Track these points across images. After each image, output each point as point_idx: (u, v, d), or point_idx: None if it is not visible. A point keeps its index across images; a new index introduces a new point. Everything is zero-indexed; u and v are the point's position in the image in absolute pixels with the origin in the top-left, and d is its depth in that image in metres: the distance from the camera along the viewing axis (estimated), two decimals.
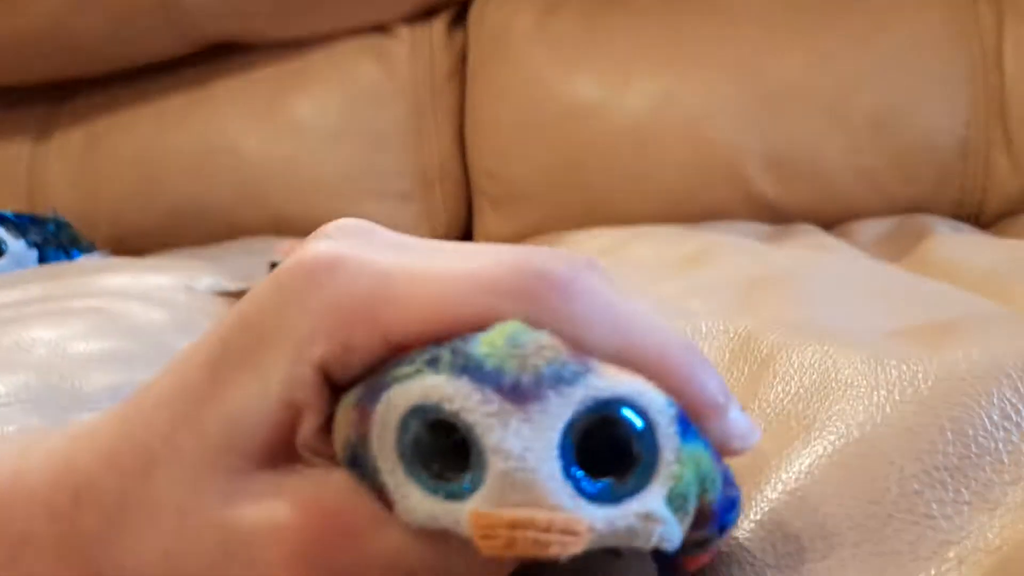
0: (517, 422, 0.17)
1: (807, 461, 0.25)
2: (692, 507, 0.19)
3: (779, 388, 0.30)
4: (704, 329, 0.37)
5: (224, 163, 0.99)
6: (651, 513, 0.18)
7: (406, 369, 0.18)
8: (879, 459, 0.25)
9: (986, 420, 0.25)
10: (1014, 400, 0.25)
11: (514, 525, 0.17)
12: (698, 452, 0.19)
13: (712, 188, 0.87)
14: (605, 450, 0.18)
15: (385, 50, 0.99)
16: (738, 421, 0.21)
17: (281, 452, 0.20)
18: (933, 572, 0.23)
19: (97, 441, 0.21)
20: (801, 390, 0.29)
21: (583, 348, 0.19)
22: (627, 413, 0.18)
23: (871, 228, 0.80)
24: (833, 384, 0.28)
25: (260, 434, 0.19)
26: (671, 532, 0.18)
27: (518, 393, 0.17)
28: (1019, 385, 0.26)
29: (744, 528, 0.24)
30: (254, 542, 0.19)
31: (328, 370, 0.19)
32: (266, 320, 0.19)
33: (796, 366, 0.30)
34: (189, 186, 0.99)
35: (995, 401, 0.25)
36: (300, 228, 0.93)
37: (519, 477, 0.17)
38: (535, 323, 0.19)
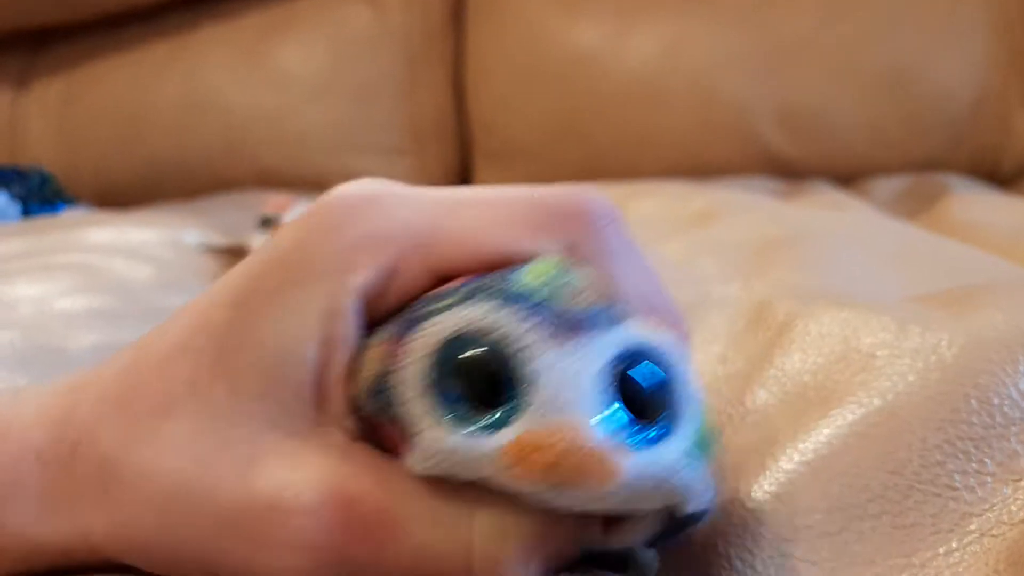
0: (565, 352, 0.17)
1: (826, 432, 0.25)
2: (708, 464, 0.19)
3: (796, 357, 0.29)
4: (716, 295, 0.37)
5: (208, 114, 0.97)
6: (681, 457, 0.18)
7: (447, 301, 0.18)
8: (901, 429, 0.24)
9: (1012, 389, 0.24)
10: None
11: (557, 448, 0.16)
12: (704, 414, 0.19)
13: (720, 143, 0.85)
14: (628, 397, 0.18)
15: None
16: None
17: (314, 401, 0.18)
18: (954, 545, 0.22)
19: (103, 390, 0.19)
20: (820, 359, 0.28)
21: (614, 288, 0.19)
22: (660, 360, 0.18)
23: (886, 186, 0.78)
24: (853, 354, 0.27)
25: (297, 375, 0.18)
26: (698, 483, 0.18)
27: (567, 323, 0.17)
28: None
29: (759, 499, 0.24)
30: (269, 518, 0.17)
31: (368, 300, 0.18)
32: (303, 254, 0.18)
33: (814, 335, 0.29)
34: (172, 138, 0.97)
35: (1021, 369, 0.25)
36: (287, 182, 0.91)
37: (564, 404, 0.17)
38: (576, 258, 0.19)
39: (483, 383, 0.17)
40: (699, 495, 0.18)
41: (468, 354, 0.17)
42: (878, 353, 0.27)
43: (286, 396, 0.18)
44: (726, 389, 0.29)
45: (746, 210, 0.58)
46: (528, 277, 0.18)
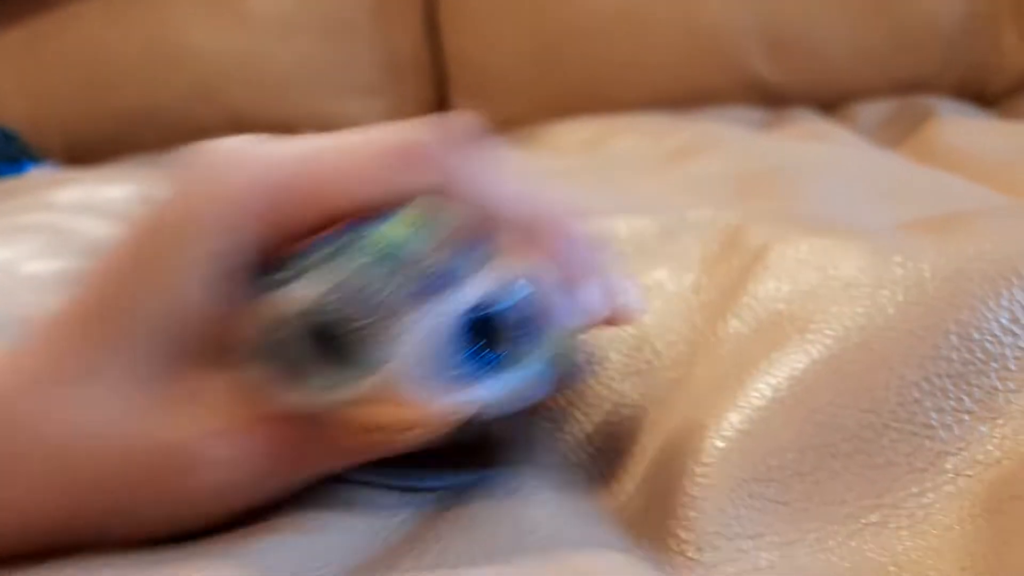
0: (417, 315, 0.19)
1: (800, 366, 0.24)
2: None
3: (771, 284, 0.28)
4: (691, 218, 0.35)
5: (175, 60, 0.93)
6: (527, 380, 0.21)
7: (313, 259, 0.19)
8: (878, 365, 0.23)
9: (994, 324, 0.23)
10: None
11: (370, 428, 0.19)
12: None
13: (705, 71, 0.83)
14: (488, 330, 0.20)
15: None
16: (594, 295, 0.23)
17: (209, 350, 0.19)
18: (928, 485, 0.21)
19: (18, 364, 0.19)
20: (796, 287, 0.27)
21: (488, 213, 0.20)
22: (516, 294, 0.20)
23: (871, 111, 0.77)
24: (832, 282, 0.26)
25: (182, 334, 0.19)
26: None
27: (426, 281, 0.19)
28: None
29: (730, 436, 0.23)
30: (178, 465, 0.19)
31: (251, 253, 0.19)
32: (179, 216, 0.19)
33: (791, 261, 0.28)
34: (139, 87, 0.93)
35: (1004, 304, 0.24)
36: (261, 127, 0.88)
37: (405, 367, 0.19)
38: (446, 193, 0.20)
39: (338, 347, 0.19)
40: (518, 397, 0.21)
41: (325, 320, 0.19)
42: (857, 282, 0.25)
43: (175, 352, 0.19)
44: (699, 319, 0.28)
45: (725, 145, 0.57)
46: (393, 230, 0.19)
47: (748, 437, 0.23)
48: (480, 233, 0.20)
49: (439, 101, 0.94)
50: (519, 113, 0.86)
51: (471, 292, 0.20)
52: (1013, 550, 0.18)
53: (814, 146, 0.58)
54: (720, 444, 0.23)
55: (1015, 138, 0.53)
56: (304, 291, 0.19)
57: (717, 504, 0.22)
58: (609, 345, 0.28)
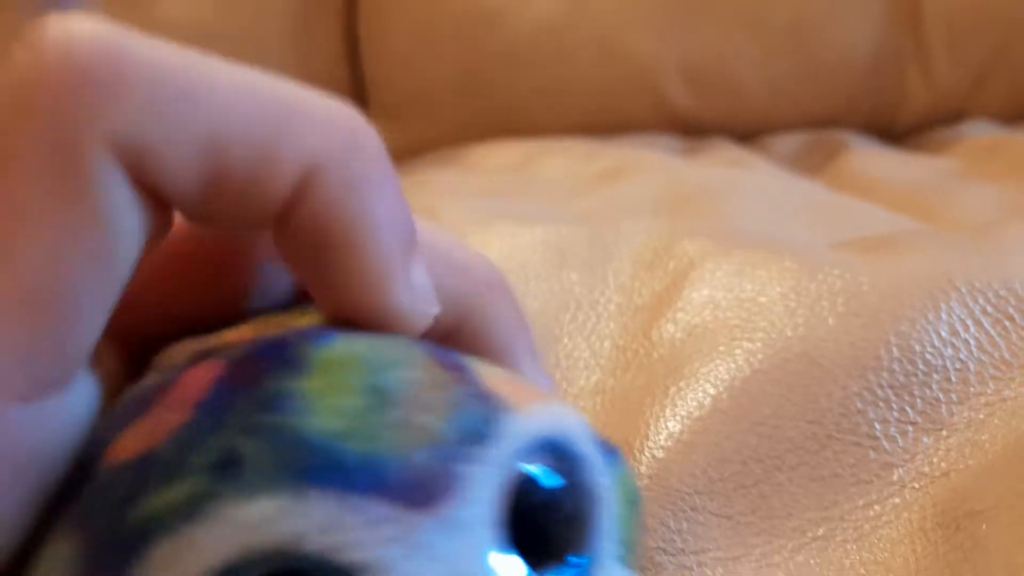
0: (429, 536, 0.10)
1: (741, 375, 0.23)
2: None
3: (706, 292, 0.27)
4: (624, 228, 0.35)
5: None
6: None
7: (176, 491, 0.10)
8: (822, 376, 0.22)
9: (934, 336, 0.23)
10: (963, 316, 0.23)
11: None
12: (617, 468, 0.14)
13: (625, 99, 0.84)
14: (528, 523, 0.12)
15: None
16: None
17: None
18: (874, 496, 0.21)
19: None
20: (732, 295, 0.26)
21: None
22: (557, 454, 0.12)
23: (785, 142, 0.78)
24: (769, 291, 0.25)
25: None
26: None
27: (417, 492, 0.10)
28: (968, 300, 0.24)
29: (670, 448, 0.22)
30: None
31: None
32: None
33: (727, 270, 0.27)
34: None
35: (943, 316, 0.23)
36: None
37: None
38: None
39: None
40: None
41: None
42: (795, 292, 0.25)
43: None
44: (632, 323, 0.27)
45: (652, 167, 0.57)
46: (318, 412, 0.11)
47: (689, 448, 0.22)
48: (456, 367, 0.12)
49: None
50: (440, 136, 0.85)
51: (492, 474, 0.11)
52: (976, 568, 0.17)
53: (738, 172, 0.58)
54: (659, 455, 0.22)
55: (927, 169, 0.54)
56: (206, 542, 0.10)
57: (658, 518, 0.20)
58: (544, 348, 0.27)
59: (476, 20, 0.85)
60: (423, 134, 0.87)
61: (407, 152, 0.85)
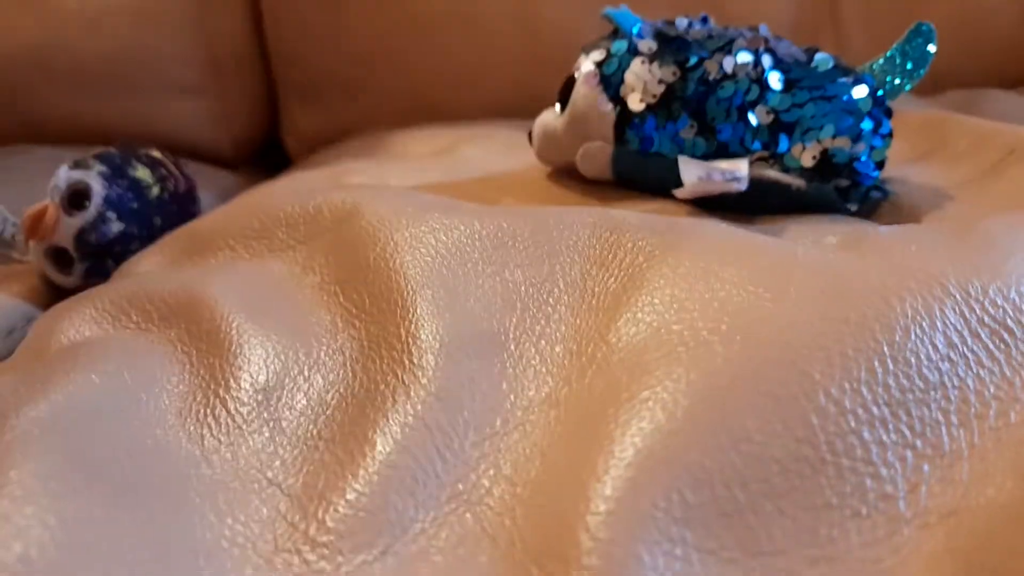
0: None
1: (717, 382, 0.20)
2: None
3: (668, 292, 0.24)
4: (567, 218, 0.31)
5: None
6: None
7: None
8: (811, 388, 0.19)
9: (930, 348, 0.21)
10: (959, 326, 0.21)
11: None
12: None
13: (548, 78, 0.80)
14: None
15: None
16: None
17: None
18: (874, 535, 0.18)
19: None
20: (698, 295, 0.23)
21: None
22: None
23: None
24: (744, 291, 0.23)
25: None
26: None
27: None
28: (964, 309, 0.21)
29: (639, 465, 0.19)
30: None
31: None
32: None
33: (689, 268, 0.24)
34: None
35: (939, 325, 0.21)
36: (63, 134, 0.75)
37: None
38: None
39: None
40: None
41: None
42: (773, 292, 0.22)
43: None
44: (587, 325, 0.24)
45: None
46: None
47: (662, 465, 0.18)
48: None
49: (271, 104, 0.84)
50: (359, 119, 0.79)
51: None
52: None
53: None
54: (627, 473, 0.18)
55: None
56: None
57: (628, 551, 0.17)
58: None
59: None
60: (342, 117, 0.81)
61: (328, 137, 0.79)
